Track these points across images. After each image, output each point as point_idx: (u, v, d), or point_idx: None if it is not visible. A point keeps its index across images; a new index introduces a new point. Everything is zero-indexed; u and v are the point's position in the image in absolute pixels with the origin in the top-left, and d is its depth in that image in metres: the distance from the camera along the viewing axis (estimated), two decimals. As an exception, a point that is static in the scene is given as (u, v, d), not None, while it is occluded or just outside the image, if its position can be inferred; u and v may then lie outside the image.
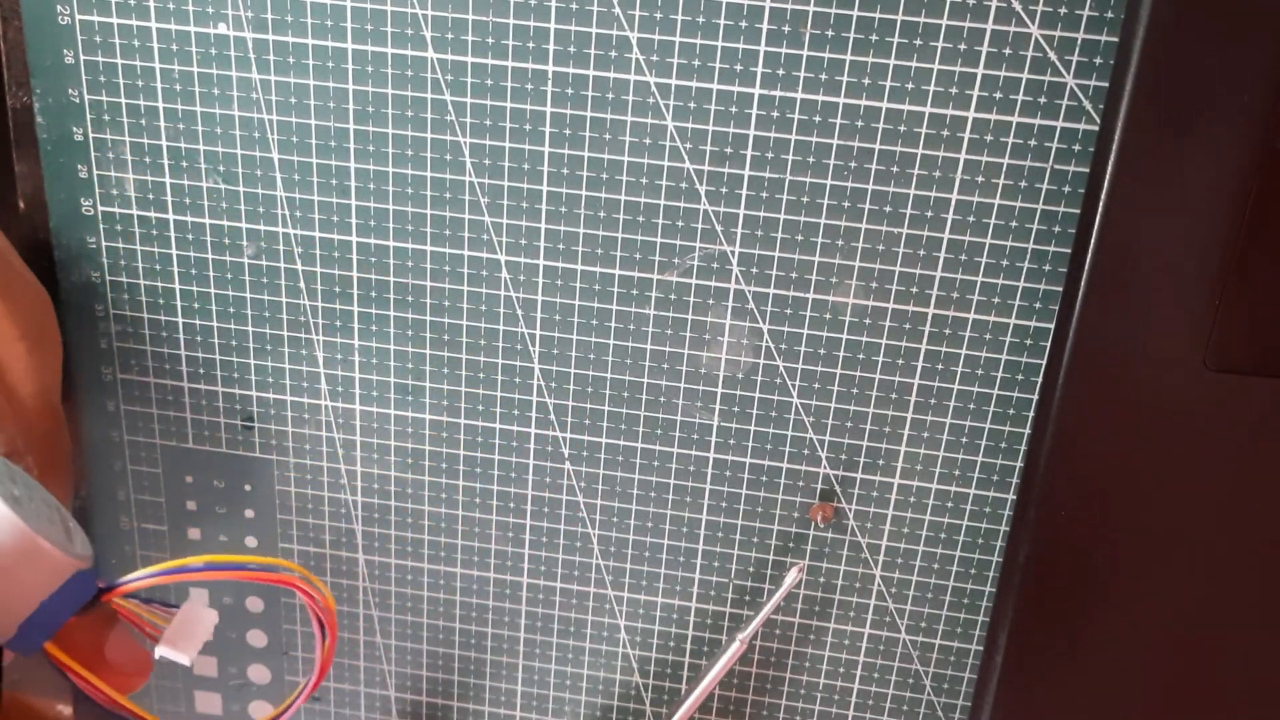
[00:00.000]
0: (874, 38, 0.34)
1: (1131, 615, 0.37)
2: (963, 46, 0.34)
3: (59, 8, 0.37)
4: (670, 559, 0.42)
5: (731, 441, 0.40)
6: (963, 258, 0.36)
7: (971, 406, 0.38)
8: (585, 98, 0.36)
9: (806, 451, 0.40)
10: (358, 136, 0.38)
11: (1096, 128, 0.34)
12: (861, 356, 0.38)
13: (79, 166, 0.39)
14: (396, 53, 0.36)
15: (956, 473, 0.39)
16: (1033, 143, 0.35)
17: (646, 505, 0.42)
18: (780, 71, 0.35)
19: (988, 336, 0.37)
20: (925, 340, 0.38)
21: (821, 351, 0.38)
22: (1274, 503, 0.35)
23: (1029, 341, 0.37)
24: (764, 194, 0.37)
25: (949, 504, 0.40)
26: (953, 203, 0.36)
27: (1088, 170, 0.35)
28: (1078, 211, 0.35)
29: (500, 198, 0.38)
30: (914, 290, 0.37)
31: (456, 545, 0.43)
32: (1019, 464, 0.39)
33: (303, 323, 0.41)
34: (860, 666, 0.43)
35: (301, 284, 0.40)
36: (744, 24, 0.35)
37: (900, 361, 0.38)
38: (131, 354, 0.42)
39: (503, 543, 0.43)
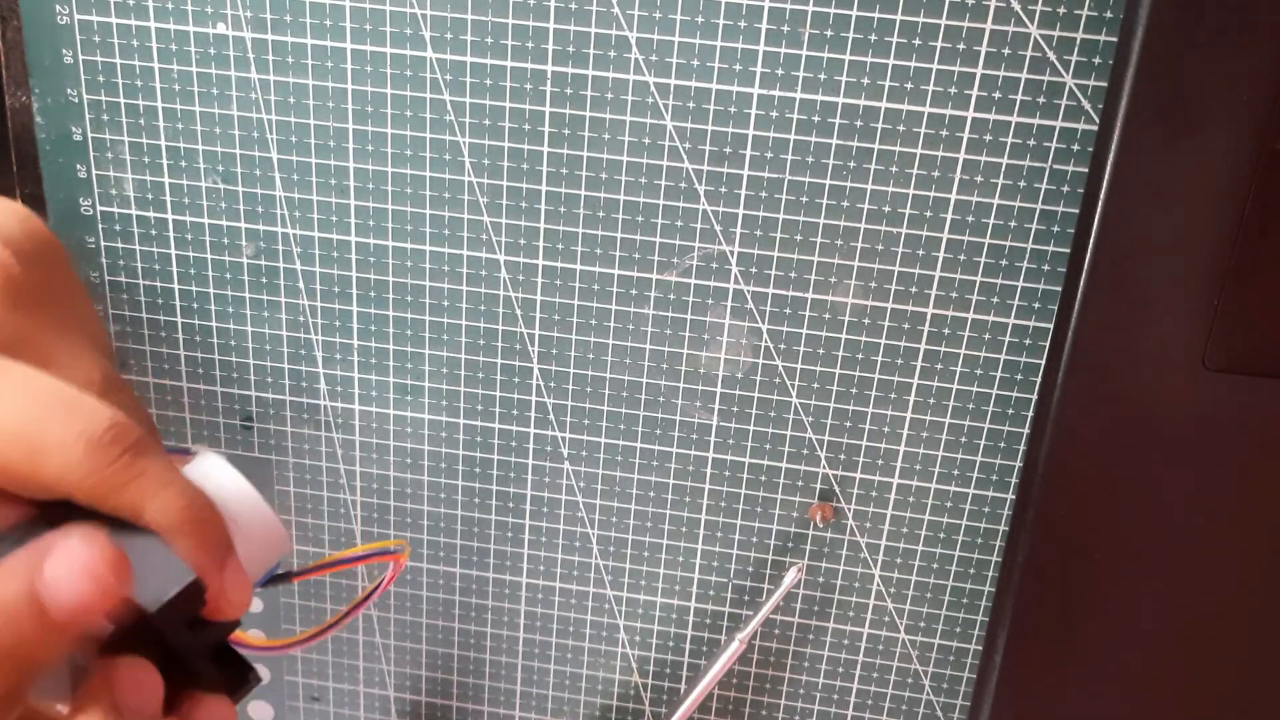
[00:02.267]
0: (873, 38, 0.34)
1: (1130, 614, 0.37)
2: (962, 46, 0.34)
3: (58, 7, 0.37)
4: (670, 559, 0.42)
5: (731, 441, 0.40)
6: (962, 258, 0.36)
7: (971, 406, 0.38)
8: (585, 98, 0.36)
9: (806, 451, 0.40)
10: (357, 136, 0.38)
11: (1095, 127, 0.34)
12: (861, 356, 0.38)
13: (78, 166, 0.39)
14: (396, 53, 0.36)
15: (956, 473, 0.39)
16: (1032, 142, 0.35)
17: (646, 505, 0.42)
18: (780, 71, 0.35)
19: (987, 336, 0.37)
20: (925, 340, 0.38)
21: (821, 351, 0.38)
22: (1273, 502, 0.35)
23: (1028, 341, 0.37)
24: (763, 194, 0.37)
25: (948, 504, 0.40)
26: (952, 203, 0.36)
27: (1087, 170, 0.35)
28: (1077, 211, 0.35)
29: (500, 198, 0.38)
30: (913, 290, 0.37)
31: (456, 545, 0.43)
32: (1018, 464, 0.39)
33: (302, 323, 0.41)
34: (860, 666, 0.43)
35: (301, 284, 0.40)
36: (743, 24, 0.35)
37: (900, 361, 0.38)
38: (131, 354, 0.42)
39: (502, 543, 0.43)
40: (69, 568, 0.22)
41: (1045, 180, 0.35)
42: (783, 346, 0.38)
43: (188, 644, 0.25)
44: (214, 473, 0.28)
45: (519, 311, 0.39)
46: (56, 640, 0.22)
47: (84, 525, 0.23)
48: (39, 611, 0.22)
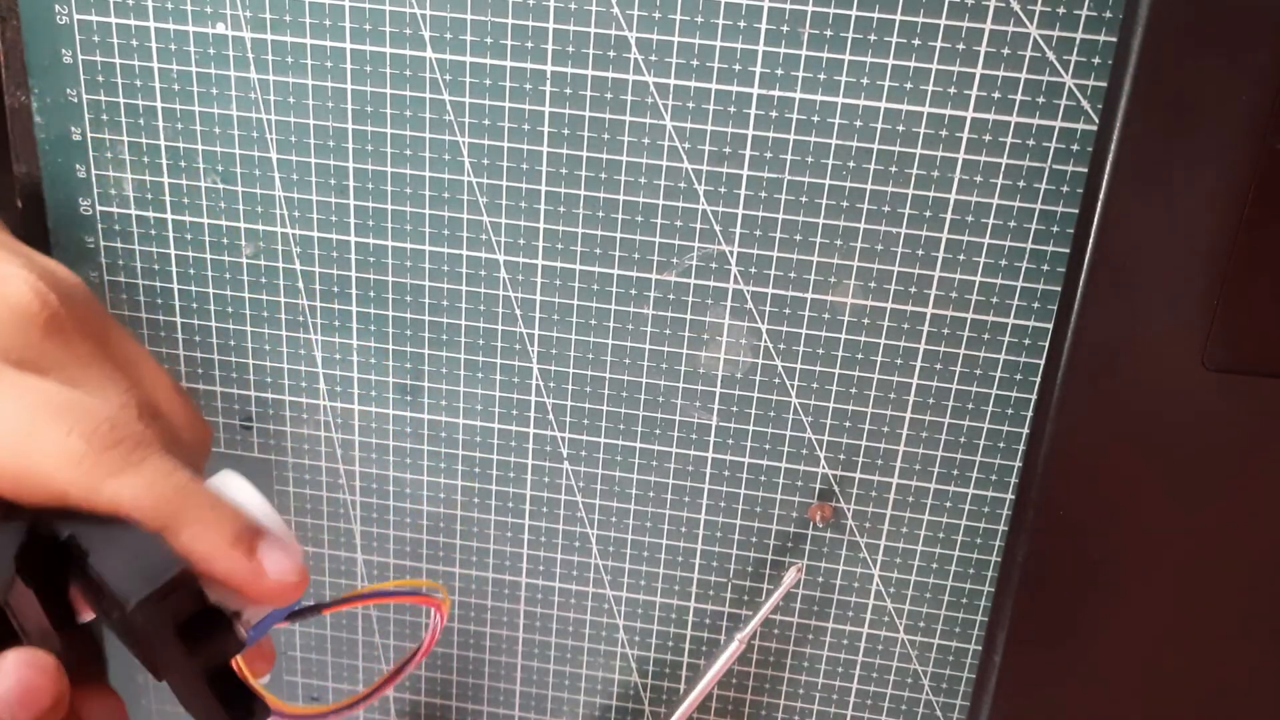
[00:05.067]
0: (873, 38, 0.34)
1: (1130, 614, 0.37)
2: (961, 46, 0.34)
3: (57, 7, 0.37)
4: (669, 559, 0.42)
5: (731, 441, 0.40)
6: (961, 258, 0.36)
7: (970, 406, 0.38)
8: (584, 98, 0.36)
9: (805, 451, 0.40)
10: (356, 136, 0.38)
11: (1095, 127, 0.34)
12: (860, 356, 0.38)
13: (77, 166, 0.39)
14: (395, 53, 0.36)
15: (955, 473, 0.39)
16: (1031, 142, 0.35)
17: (645, 505, 0.42)
18: (779, 71, 0.35)
19: (986, 336, 0.37)
20: (924, 340, 0.38)
21: (821, 351, 0.38)
22: (1273, 502, 0.35)
23: (1028, 341, 0.37)
24: (763, 194, 0.37)
25: (948, 504, 0.40)
26: (951, 202, 0.36)
27: (1086, 170, 0.35)
28: (1076, 211, 0.35)
29: (499, 197, 0.38)
30: (913, 290, 0.37)
31: (455, 545, 0.43)
32: (1018, 464, 0.39)
33: (301, 323, 0.41)
34: (859, 666, 0.43)
35: (300, 284, 0.40)
36: (743, 24, 0.35)
37: (899, 361, 0.38)
38: (130, 354, 0.42)
39: (502, 543, 0.43)
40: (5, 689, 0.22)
41: (1045, 180, 0.35)
42: (783, 346, 0.38)
43: (177, 661, 0.24)
44: (234, 490, 0.27)
45: (519, 311, 0.39)
46: None
47: (20, 649, 0.23)
48: None
